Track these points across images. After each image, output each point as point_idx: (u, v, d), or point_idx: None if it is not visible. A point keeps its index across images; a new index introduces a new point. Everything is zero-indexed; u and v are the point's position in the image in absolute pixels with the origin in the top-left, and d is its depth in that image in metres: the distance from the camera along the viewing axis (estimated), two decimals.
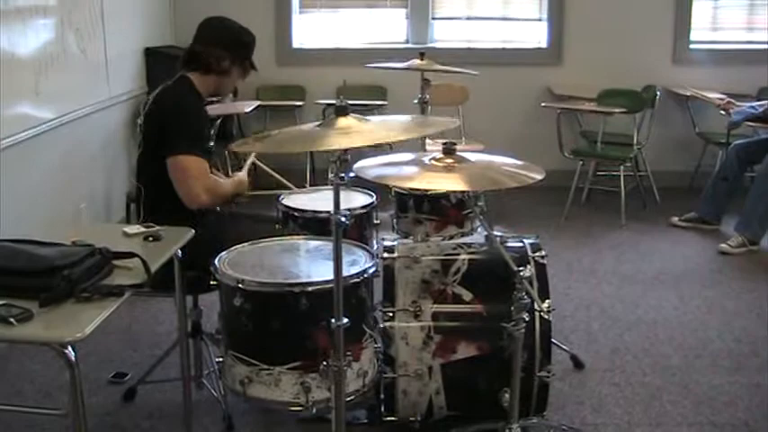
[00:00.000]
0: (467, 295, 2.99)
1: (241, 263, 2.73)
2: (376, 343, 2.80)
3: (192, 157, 3.20)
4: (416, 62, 4.07)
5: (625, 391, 3.59)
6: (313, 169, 6.39)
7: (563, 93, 6.63)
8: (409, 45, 6.91)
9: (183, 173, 3.20)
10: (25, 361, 3.78)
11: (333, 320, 2.33)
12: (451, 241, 3.56)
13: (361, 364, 2.65)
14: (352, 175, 2.51)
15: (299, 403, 2.57)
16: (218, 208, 3.48)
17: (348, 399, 2.53)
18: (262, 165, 3.88)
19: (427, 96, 4.03)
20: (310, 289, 2.53)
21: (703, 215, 5.85)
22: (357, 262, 2.72)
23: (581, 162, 6.19)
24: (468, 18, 7.02)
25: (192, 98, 3.39)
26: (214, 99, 4.50)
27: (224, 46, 3.39)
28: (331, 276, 2.35)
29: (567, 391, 3.56)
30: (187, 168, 3.20)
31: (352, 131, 2.29)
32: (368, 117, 2.44)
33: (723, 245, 5.39)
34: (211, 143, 3.49)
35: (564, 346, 3.80)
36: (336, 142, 2.24)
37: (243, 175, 3.61)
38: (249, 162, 3.80)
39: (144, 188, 3.40)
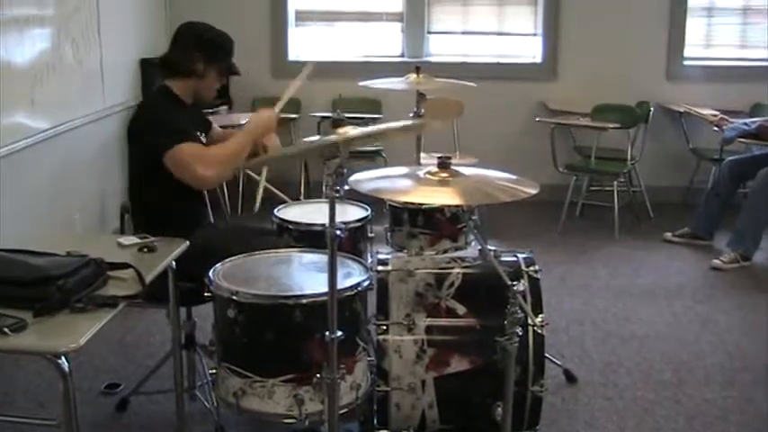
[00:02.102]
0: (460, 309, 2.99)
1: (235, 275, 2.73)
2: (369, 356, 2.81)
3: (182, 145, 3.20)
4: (412, 76, 4.09)
5: (617, 405, 3.59)
6: (308, 181, 6.40)
7: (557, 108, 6.65)
8: (405, 59, 6.93)
9: (181, 162, 3.20)
10: (18, 371, 3.77)
11: (327, 333, 2.34)
12: (445, 255, 3.56)
13: (354, 376, 2.65)
14: (346, 188, 2.52)
15: (292, 415, 2.57)
16: (211, 219, 3.48)
17: (341, 411, 2.53)
18: (255, 176, 3.89)
19: (422, 110, 4.04)
20: (304, 301, 2.54)
21: (696, 231, 5.87)
22: (351, 275, 2.73)
23: (575, 177, 6.21)
24: (464, 32, 7.05)
25: (167, 103, 3.39)
26: (210, 110, 4.51)
27: (196, 48, 3.39)
28: (325, 289, 2.36)
29: (560, 406, 3.56)
30: (182, 156, 3.20)
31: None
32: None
33: (716, 261, 5.41)
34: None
35: (557, 361, 3.81)
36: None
37: (262, 112, 3.58)
38: (280, 105, 3.73)
39: (137, 201, 3.41)
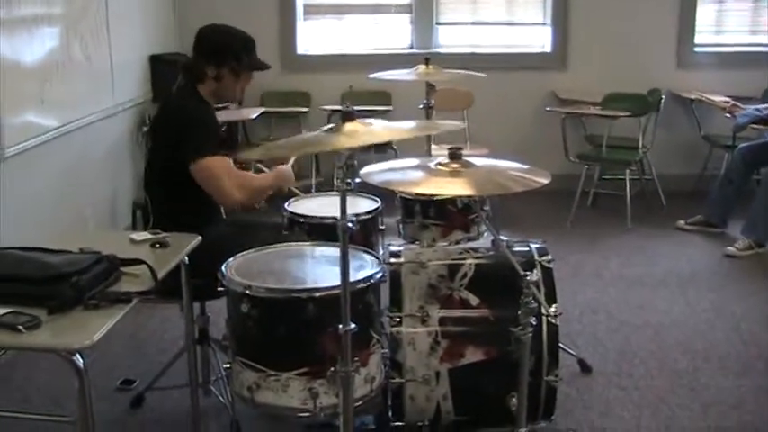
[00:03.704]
0: (474, 300, 2.99)
1: (248, 269, 2.73)
2: (383, 348, 2.80)
3: (215, 158, 3.24)
4: (421, 68, 4.07)
5: (632, 394, 3.58)
6: (318, 174, 6.39)
7: (568, 97, 6.63)
8: (414, 50, 6.91)
9: (211, 175, 3.23)
10: (33, 368, 3.79)
11: (340, 326, 2.33)
12: (458, 246, 3.56)
13: (368, 369, 2.65)
14: (357, 180, 2.52)
15: (306, 409, 2.57)
16: (223, 214, 3.48)
17: (356, 404, 2.53)
18: (266, 170, 3.87)
19: (432, 102, 4.03)
20: (317, 295, 2.53)
21: (709, 218, 5.84)
22: (364, 267, 2.72)
23: (586, 166, 6.19)
24: (473, 23, 7.03)
25: (199, 104, 3.41)
26: (220, 105, 4.50)
27: (206, 54, 3.41)
28: (338, 282, 2.35)
29: (575, 396, 3.55)
30: (213, 169, 3.23)
31: (359, 134, 2.29)
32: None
33: (730, 248, 5.38)
34: None
35: (571, 351, 3.80)
36: (343, 143, 2.25)
37: (286, 168, 3.62)
38: (293, 160, 3.74)
39: (152, 197, 3.41)
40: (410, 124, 2.59)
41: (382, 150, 5.98)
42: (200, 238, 2.92)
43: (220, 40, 3.47)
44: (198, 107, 3.40)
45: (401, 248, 3.22)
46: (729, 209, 5.78)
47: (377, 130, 2.38)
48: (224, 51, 3.43)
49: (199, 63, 3.41)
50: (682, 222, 5.93)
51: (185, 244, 2.85)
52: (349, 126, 2.31)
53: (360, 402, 2.61)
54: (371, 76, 4.22)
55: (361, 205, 3.52)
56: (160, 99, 5.87)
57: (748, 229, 5.44)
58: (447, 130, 2.57)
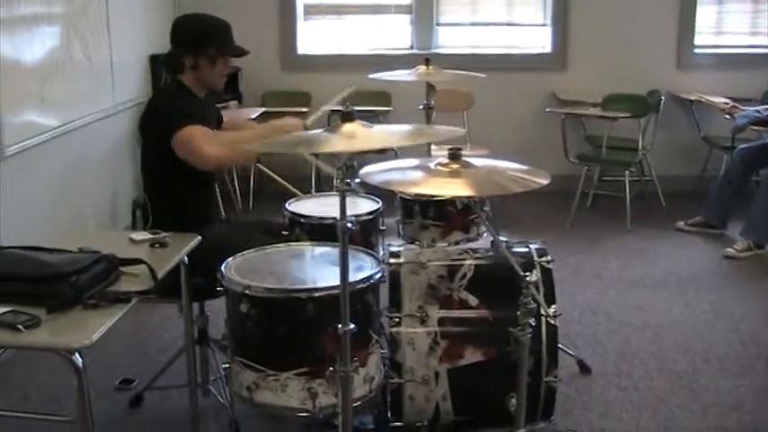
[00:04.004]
0: (473, 300, 2.99)
1: (248, 269, 2.72)
2: (382, 348, 2.80)
3: (189, 128, 3.20)
4: (421, 68, 4.07)
5: (632, 395, 3.58)
6: (318, 175, 6.39)
7: (567, 98, 6.63)
8: (414, 51, 6.92)
9: (187, 143, 3.20)
10: (32, 367, 3.79)
11: (339, 326, 2.33)
12: (457, 246, 3.56)
13: (367, 369, 2.64)
14: (357, 180, 2.51)
15: (305, 409, 2.57)
16: (222, 214, 3.47)
17: (355, 404, 2.53)
18: (267, 170, 3.89)
19: (432, 102, 4.03)
20: (317, 295, 2.53)
21: (709, 219, 5.84)
22: (363, 268, 2.72)
23: (586, 167, 6.19)
24: (473, 24, 7.03)
25: (179, 94, 3.41)
26: (219, 105, 4.49)
27: (182, 43, 3.41)
28: (337, 282, 2.35)
29: (574, 396, 3.55)
30: (188, 137, 3.20)
31: (357, 137, 2.29)
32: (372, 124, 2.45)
33: (729, 249, 5.39)
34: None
35: (570, 351, 3.80)
36: (340, 146, 2.25)
37: (284, 121, 3.58)
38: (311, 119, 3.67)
39: (151, 196, 3.41)
40: (409, 128, 2.59)
41: (382, 150, 5.98)
42: (199, 237, 2.92)
43: (194, 27, 3.46)
44: (175, 95, 3.40)
45: (401, 249, 3.22)
46: (729, 210, 5.78)
47: (375, 134, 2.37)
48: (198, 39, 3.41)
49: (176, 53, 3.41)
50: (681, 223, 5.93)
51: (185, 244, 2.85)
52: (348, 127, 2.31)
53: (359, 402, 2.61)
54: (372, 76, 4.20)
55: (362, 206, 3.52)
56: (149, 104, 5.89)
57: (747, 231, 5.44)
58: (446, 124, 2.56)
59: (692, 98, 6.55)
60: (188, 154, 3.20)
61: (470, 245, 3.62)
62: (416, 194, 3.62)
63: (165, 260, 2.69)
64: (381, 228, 3.57)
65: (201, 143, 3.20)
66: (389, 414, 3.01)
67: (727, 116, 5.99)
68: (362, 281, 2.62)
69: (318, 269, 2.84)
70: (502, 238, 3.08)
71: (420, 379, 2.93)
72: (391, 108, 6.55)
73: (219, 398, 3.41)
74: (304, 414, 2.58)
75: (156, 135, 3.29)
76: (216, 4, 6.22)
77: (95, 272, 2.37)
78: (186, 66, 3.39)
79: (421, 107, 4.03)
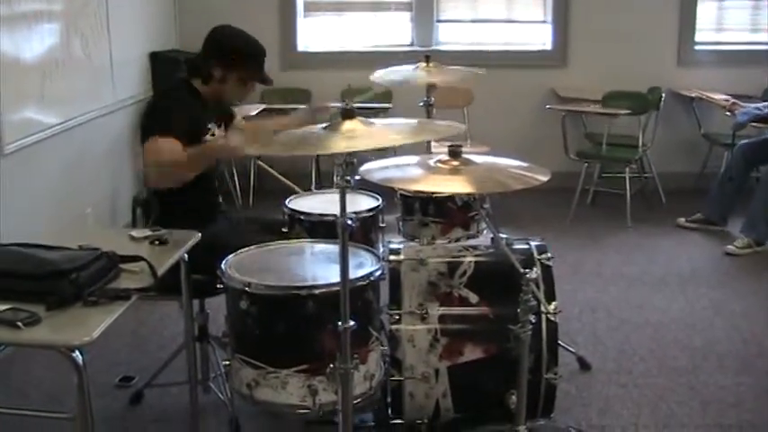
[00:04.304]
0: (473, 298, 2.99)
1: (248, 266, 2.72)
2: (383, 345, 2.80)
3: (158, 138, 3.18)
4: (422, 65, 4.07)
5: (632, 392, 3.58)
6: (318, 172, 6.39)
7: (568, 95, 6.62)
8: (414, 48, 6.91)
9: (145, 157, 3.22)
10: (31, 364, 3.79)
11: (340, 323, 2.33)
12: (457, 243, 3.56)
13: (367, 366, 2.64)
14: (357, 178, 2.51)
15: (305, 406, 2.57)
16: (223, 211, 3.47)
17: (355, 401, 2.53)
18: (266, 167, 3.88)
19: (432, 99, 4.03)
20: (317, 292, 2.53)
21: (709, 216, 5.84)
22: (363, 265, 2.72)
23: (586, 164, 6.19)
24: (473, 20, 7.02)
25: (181, 95, 3.39)
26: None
27: (215, 55, 3.38)
28: (337, 279, 2.35)
29: (574, 393, 3.55)
30: (146, 150, 3.21)
31: (357, 135, 2.29)
32: (372, 120, 2.44)
33: (729, 246, 5.38)
34: (209, 136, 3.43)
35: (570, 348, 3.80)
36: (341, 146, 2.24)
37: (223, 140, 3.47)
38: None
39: (152, 194, 3.41)
40: (409, 124, 2.58)
41: (382, 148, 5.98)
42: (199, 235, 2.92)
43: (237, 45, 3.43)
44: (176, 94, 3.38)
45: (401, 246, 3.22)
46: (729, 207, 5.78)
47: (375, 132, 2.37)
48: (239, 58, 3.40)
49: (207, 62, 3.38)
50: (682, 220, 5.93)
51: (185, 241, 2.85)
52: (348, 125, 2.31)
53: (359, 399, 2.61)
54: (374, 77, 4.18)
55: (362, 203, 3.52)
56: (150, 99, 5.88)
57: (748, 228, 5.44)
58: (447, 132, 2.55)
59: (693, 95, 6.54)
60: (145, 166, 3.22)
61: (470, 242, 3.62)
62: (416, 191, 3.61)
63: (165, 257, 2.69)
64: (381, 225, 3.57)
65: (155, 155, 3.19)
66: (390, 411, 3.01)
67: (728, 113, 5.99)
68: (362, 278, 2.61)
69: (318, 266, 2.84)
70: (502, 235, 3.07)
71: (420, 376, 2.93)
72: (391, 105, 6.54)
73: (220, 395, 3.41)
74: (304, 411, 2.58)
75: (146, 136, 3.30)
76: (217, 1, 6.26)
77: (95, 269, 2.37)
78: (215, 77, 3.37)
79: (421, 104, 4.02)
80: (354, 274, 2.57)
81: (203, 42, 3.45)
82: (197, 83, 3.40)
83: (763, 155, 5.69)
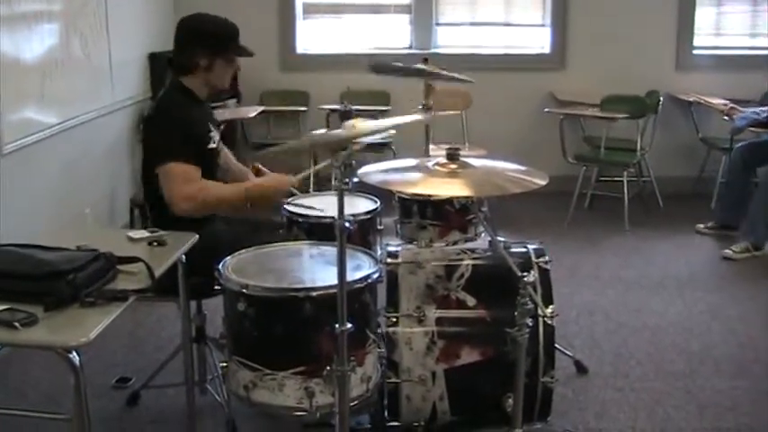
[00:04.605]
0: (470, 301, 2.99)
1: (245, 268, 2.72)
2: (380, 348, 2.80)
3: (173, 164, 3.19)
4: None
5: (629, 396, 3.58)
6: (317, 174, 6.38)
7: (566, 98, 6.63)
8: (413, 51, 6.91)
9: (165, 181, 3.20)
10: (28, 365, 3.79)
11: (337, 325, 2.33)
12: (455, 247, 3.55)
13: (364, 369, 2.65)
14: (355, 180, 2.52)
15: (302, 408, 2.57)
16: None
17: (352, 404, 2.53)
18: (265, 170, 3.86)
19: (431, 102, 4.02)
20: (314, 294, 2.53)
21: (723, 221, 5.82)
22: (361, 267, 2.72)
23: (584, 167, 6.19)
24: (472, 24, 7.03)
25: (181, 100, 3.38)
26: (218, 104, 4.48)
27: (196, 43, 3.36)
28: (335, 281, 2.35)
29: (571, 397, 3.56)
30: (168, 175, 3.20)
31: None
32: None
33: (727, 250, 5.39)
34: (212, 144, 3.44)
35: (567, 352, 3.80)
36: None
37: (270, 182, 3.51)
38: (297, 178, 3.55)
39: (150, 195, 3.40)
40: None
41: (380, 150, 5.99)
42: (197, 236, 2.92)
43: (216, 27, 3.42)
44: (181, 106, 3.37)
45: (398, 249, 3.22)
46: (740, 208, 5.71)
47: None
48: (220, 39, 3.39)
49: (192, 53, 3.36)
50: (701, 226, 5.90)
51: (183, 242, 2.85)
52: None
53: (356, 402, 2.61)
54: (373, 77, 4.15)
55: (360, 205, 3.52)
56: (149, 115, 5.88)
57: (746, 231, 5.44)
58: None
59: (691, 99, 6.55)
60: (164, 192, 3.21)
61: (468, 245, 3.62)
62: (414, 194, 3.61)
63: (163, 259, 2.68)
64: (379, 227, 3.57)
65: (175, 186, 3.19)
66: (386, 414, 3.01)
67: (726, 117, 6.00)
68: (360, 280, 2.62)
69: (316, 268, 2.84)
70: (500, 239, 3.08)
71: (417, 379, 2.93)
72: (390, 108, 6.55)
73: (217, 396, 3.41)
74: (301, 413, 2.58)
75: (151, 150, 3.31)
76: (215, 2, 6.24)
77: (93, 270, 2.37)
78: (200, 66, 3.36)
79: (420, 107, 4.02)
80: (352, 276, 2.58)
81: (177, 36, 3.43)
82: (186, 80, 3.39)
83: (761, 155, 5.69)
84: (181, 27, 3.44)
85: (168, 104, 3.40)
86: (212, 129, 3.46)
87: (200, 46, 3.36)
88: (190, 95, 3.40)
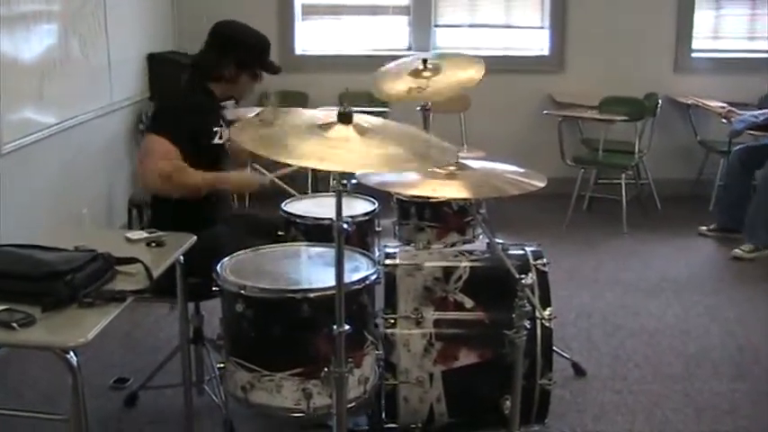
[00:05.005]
0: (468, 302, 2.99)
1: (243, 269, 2.73)
2: (377, 350, 2.80)
3: (157, 137, 3.17)
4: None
5: (627, 399, 3.58)
6: (315, 175, 6.38)
7: (565, 100, 6.63)
8: (412, 52, 6.91)
9: (145, 151, 3.19)
10: (26, 366, 3.78)
11: (334, 327, 2.33)
12: (453, 248, 3.56)
13: (362, 370, 2.65)
14: (354, 181, 2.52)
15: (300, 409, 2.57)
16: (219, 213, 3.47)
17: (349, 405, 2.53)
18: (263, 170, 3.86)
19: (429, 103, 4.03)
20: (312, 295, 2.53)
21: (725, 224, 5.81)
22: (359, 269, 2.72)
23: (582, 170, 6.19)
24: (471, 25, 7.03)
25: (190, 92, 3.37)
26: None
27: (226, 52, 3.35)
28: (333, 283, 2.35)
29: (569, 399, 3.56)
30: (147, 147, 3.19)
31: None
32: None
33: (736, 250, 5.38)
34: (218, 140, 3.41)
35: (565, 354, 3.80)
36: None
37: (239, 175, 3.50)
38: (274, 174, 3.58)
39: (150, 195, 3.40)
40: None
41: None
42: (195, 237, 2.91)
43: (249, 40, 3.41)
44: (189, 94, 3.35)
45: (396, 250, 3.22)
46: (740, 210, 5.71)
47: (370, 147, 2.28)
48: (251, 53, 3.39)
49: (218, 61, 3.34)
50: (703, 228, 5.90)
51: (181, 243, 2.85)
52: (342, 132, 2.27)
53: (353, 403, 2.61)
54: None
55: (358, 207, 3.52)
56: (156, 97, 5.87)
57: (748, 234, 5.44)
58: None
59: (689, 102, 6.55)
60: (139, 157, 3.17)
61: (466, 247, 3.63)
62: (413, 196, 3.62)
63: (161, 259, 2.68)
64: (377, 229, 3.58)
65: (152, 159, 3.17)
66: (384, 415, 3.01)
67: (725, 120, 6.00)
68: (358, 282, 2.62)
69: (314, 270, 2.84)
70: (498, 241, 3.08)
71: (415, 380, 2.94)
72: (389, 109, 6.54)
73: (214, 397, 3.41)
74: (298, 414, 2.59)
75: (150, 120, 3.29)
76: (215, 2, 6.26)
77: (91, 270, 2.37)
78: (224, 77, 3.34)
79: (418, 108, 4.02)
80: (350, 277, 2.58)
81: (209, 39, 3.40)
82: (212, 85, 3.38)
83: (759, 157, 5.69)
84: (216, 31, 3.42)
85: (185, 93, 3.41)
86: (221, 125, 3.43)
87: (230, 56, 3.34)
88: (212, 96, 3.39)
